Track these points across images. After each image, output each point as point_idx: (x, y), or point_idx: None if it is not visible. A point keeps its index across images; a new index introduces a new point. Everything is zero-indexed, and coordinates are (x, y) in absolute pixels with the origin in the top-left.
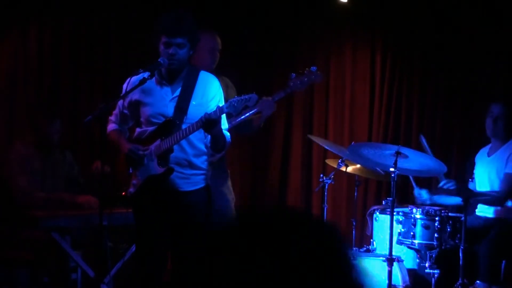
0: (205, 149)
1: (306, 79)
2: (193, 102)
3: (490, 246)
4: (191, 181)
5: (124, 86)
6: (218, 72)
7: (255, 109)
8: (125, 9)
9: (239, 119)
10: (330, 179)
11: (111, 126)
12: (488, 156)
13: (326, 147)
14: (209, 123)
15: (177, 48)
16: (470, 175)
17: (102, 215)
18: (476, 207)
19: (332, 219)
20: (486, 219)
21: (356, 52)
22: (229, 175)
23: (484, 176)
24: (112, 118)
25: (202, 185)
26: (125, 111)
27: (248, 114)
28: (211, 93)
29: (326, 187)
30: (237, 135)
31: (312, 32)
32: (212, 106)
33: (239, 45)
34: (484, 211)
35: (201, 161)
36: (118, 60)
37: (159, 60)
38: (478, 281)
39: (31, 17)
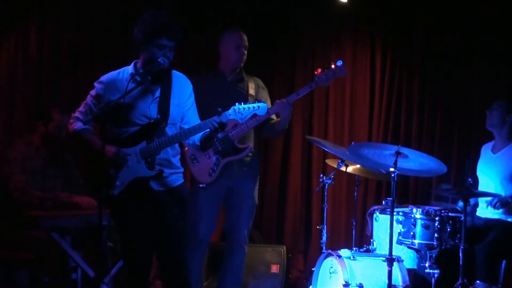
0: (179, 148)
1: (331, 73)
2: (173, 103)
3: (490, 246)
4: (170, 179)
5: (98, 85)
6: (250, 73)
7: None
8: (125, 9)
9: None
10: (330, 179)
11: (78, 125)
12: (493, 153)
13: (325, 149)
14: (220, 127)
15: (171, 51)
16: (471, 174)
17: (102, 215)
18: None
19: (332, 219)
20: (486, 219)
21: (356, 52)
22: (258, 180)
23: (488, 172)
24: (78, 115)
25: (180, 182)
26: (96, 110)
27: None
28: (187, 92)
29: (326, 187)
30: (260, 137)
31: (312, 32)
32: (188, 106)
33: None
34: (485, 212)
35: (177, 160)
36: (118, 60)
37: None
38: (478, 281)
39: (31, 18)
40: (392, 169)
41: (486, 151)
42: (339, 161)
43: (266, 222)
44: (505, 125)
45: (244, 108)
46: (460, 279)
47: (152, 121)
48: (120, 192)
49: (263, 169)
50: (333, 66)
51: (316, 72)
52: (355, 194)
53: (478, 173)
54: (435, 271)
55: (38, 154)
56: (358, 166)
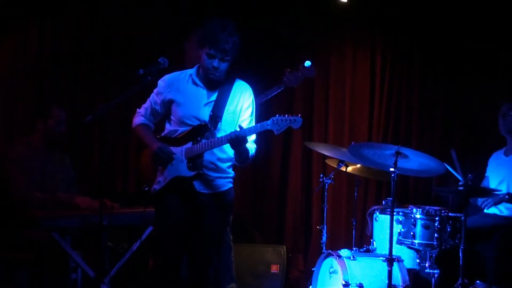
0: (232, 155)
1: (300, 74)
2: (228, 109)
3: (500, 248)
4: (216, 183)
5: (161, 83)
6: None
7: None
8: (125, 9)
9: None
10: (330, 179)
11: (139, 119)
12: (506, 156)
13: (325, 153)
14: (238, 141)
15: (221, 62)
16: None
17: (102, 215)
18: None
19: (332, 219)
20: (495, 216)
21: (356, 52)
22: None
23: (502, 175)
24: (141, 111)
25: (226, 188)
26: (157, 107)
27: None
28: (245, 103)
29: (326, 187)
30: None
31: (312, 32)
32: (244, 117)
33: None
34: (492, 208)
35: (227, 166)
36: (118, 60)
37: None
38: (478, 281)
39: (31, 17)
40: (392, 169)
41: (497, 156)
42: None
43: (266, 222)
44: None
45: (282, 120)
46: (460, 279)
47: (200, 123)
48: (161, 188)
49: (263, 170)
50: (301, 67)
51: (285, 72)
52: (355, 194)
53: (490, 176)
54: (435, 271)
55: (37, 155)
56: (358, 166)
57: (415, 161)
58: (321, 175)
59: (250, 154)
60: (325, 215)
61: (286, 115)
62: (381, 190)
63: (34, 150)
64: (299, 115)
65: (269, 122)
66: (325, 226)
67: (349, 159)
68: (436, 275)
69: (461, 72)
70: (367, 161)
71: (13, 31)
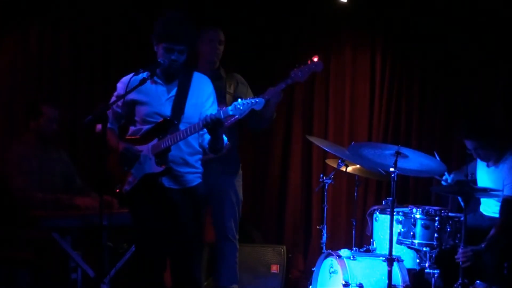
0: (199, 148)
1: (306, 68)
2: (189, 102)
3: (499, 250)
4: (186, 178)
5: (119, 85)
6: (229, 69)
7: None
8: (125, 9)
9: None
10: (330, 179)
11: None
12: (488, 166)
13: (325, 149)
14: (215, 124)
15: (179, 54)
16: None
17: (102, 215)
18: (478, 205)
19: (332, 219)
20: (491, 218)
21: (356, 52)
22: (241, 176)
23: (487, 185)
24: None
25: (196, 183)
26: (118, 110)
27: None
28: (206, 93)
29: (326, 187)
30: (248, 131)
31: (312, 32)
32: (207, 106)
33: (239, 45)
34: (489, 209)
35: (195, 160)
36: (118, 60)
37: (159, 60)
38: (478, 281)
39: (31, 17)
40: (392, 169)
41: (481, 164)
42: (339, 161)
43: (266, 222)
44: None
45: (244, 104)
46: (460, 279)
47: (163, 119)
48: (132, 187)
49: (263, 169)
50: (309, 62)
51: (293, 68)
52: (355, 194)
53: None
54: (435, 271)
55: (34, 153)
56: (358, 166)
57: (415, 161)
58: (321, 175)
59: (225, 141)
60: (325, 215)
61: (249, 98)
62: (381, 190)
63: (30, 149)
64: (261, 96)
65: (231, 107)
66: (325, 226)
67: (349, 157)
68: (436, 275)
69: (461, 72)
70: (367, 161)
71: (13, 31)
